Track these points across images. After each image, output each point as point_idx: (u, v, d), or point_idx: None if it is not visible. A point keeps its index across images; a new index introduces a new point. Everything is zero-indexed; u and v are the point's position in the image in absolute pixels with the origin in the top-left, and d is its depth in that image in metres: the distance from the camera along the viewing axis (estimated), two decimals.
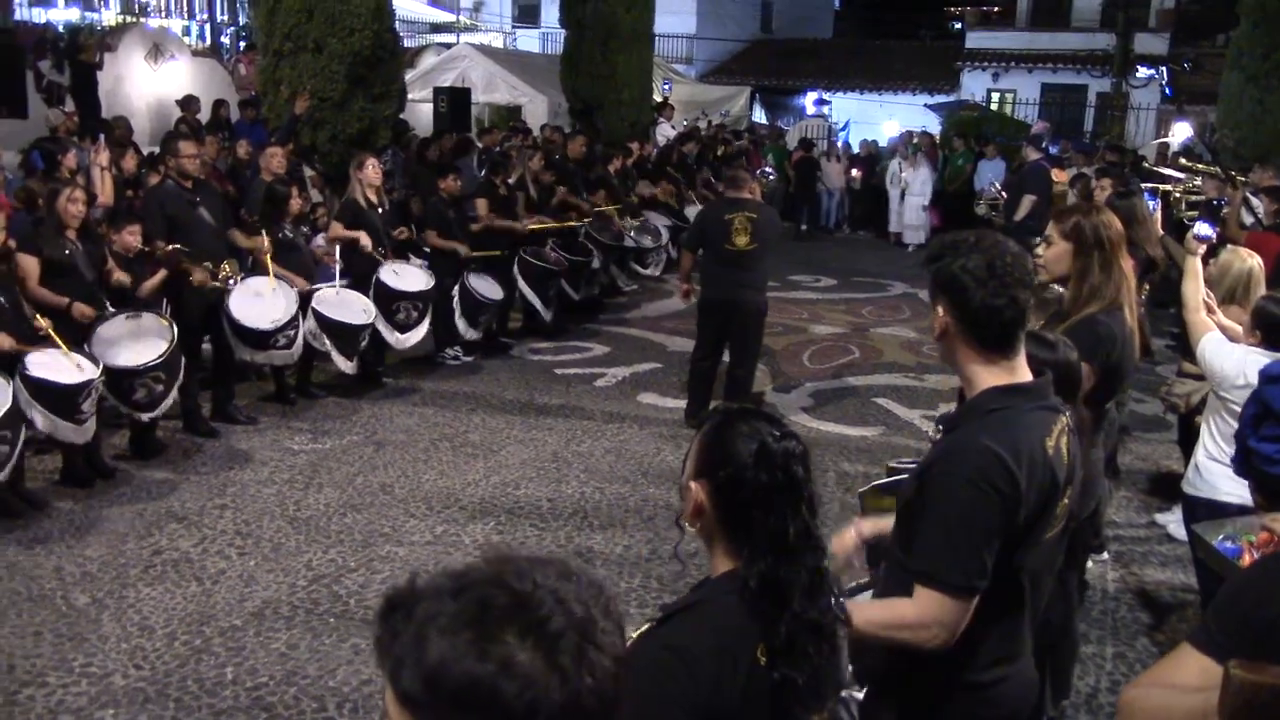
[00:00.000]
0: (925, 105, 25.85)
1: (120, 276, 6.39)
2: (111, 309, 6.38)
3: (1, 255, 5.76)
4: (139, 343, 6.36)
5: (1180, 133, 17.50)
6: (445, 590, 1.10)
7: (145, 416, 6.44)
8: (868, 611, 2.20)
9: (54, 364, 5.78)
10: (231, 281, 6.98)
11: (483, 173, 10.80)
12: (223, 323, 7.07)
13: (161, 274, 6.66)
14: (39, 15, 17.40)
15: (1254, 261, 5.03)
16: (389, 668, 1.09)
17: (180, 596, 4.91)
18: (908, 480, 2.31)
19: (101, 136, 8.66)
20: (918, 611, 2.13)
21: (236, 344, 7.12)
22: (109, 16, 19.01)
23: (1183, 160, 11.58)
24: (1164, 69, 24.90)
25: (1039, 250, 3.76)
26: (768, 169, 14.19)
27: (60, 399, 5.69)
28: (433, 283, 8.32)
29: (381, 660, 1.10)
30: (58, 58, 13.37)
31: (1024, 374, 2.24)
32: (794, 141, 19.73)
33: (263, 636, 4.58)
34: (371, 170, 8.20)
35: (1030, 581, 2.23)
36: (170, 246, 6.71)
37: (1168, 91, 24.67)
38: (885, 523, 2.55)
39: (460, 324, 8.91)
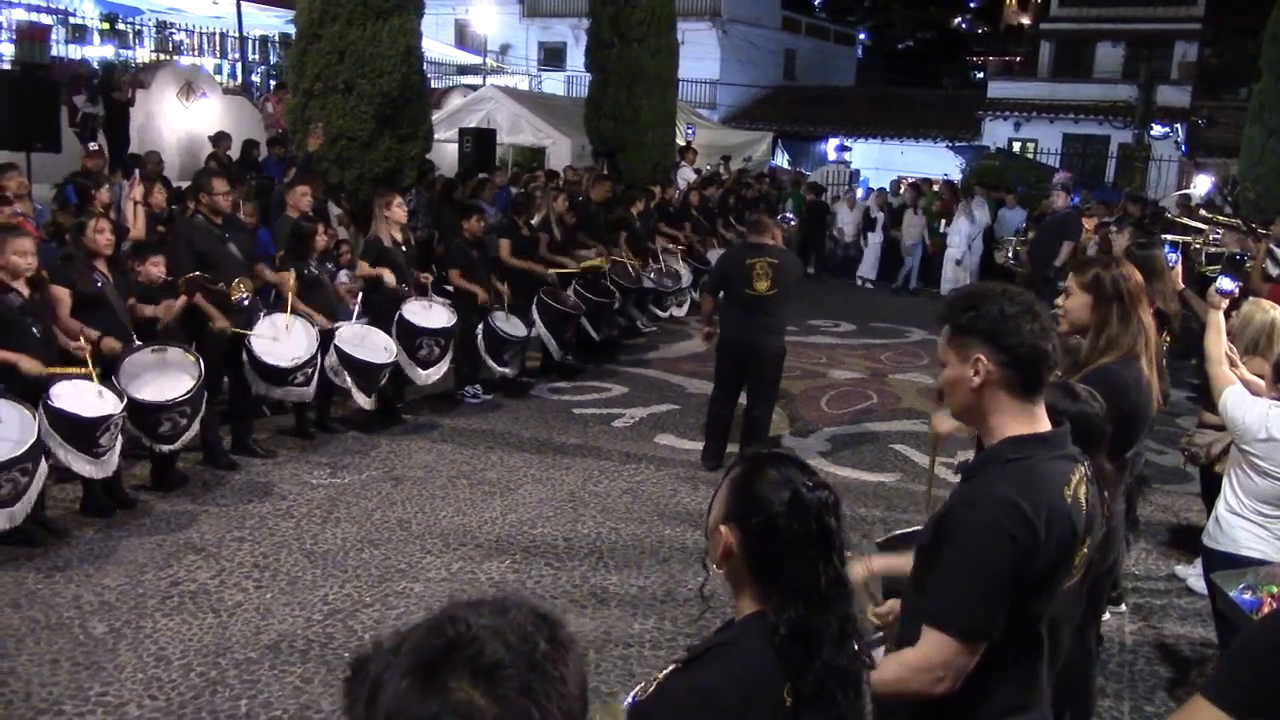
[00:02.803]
0: (947, 146, 25.96)
1: (144, 311, 6.47)
2: (138, 341, 6.46)
3: (35, 284, 5.85)
4: (165, 376, 6.43)
5: (1201, 185, 17.49)
6: (388, 648, 1.13)
7: (167, 448, 6.49)
8: (877, 674, 2.20)
9: (77, 396, 5.83)
10: (245, 300, 7.01)
11: (501, 212, 10.93)
12: (242, 357, 7.13)
13: (182, 300, 6.72)
14: (75, 52, 17.73)
15: (1276, 313, 5.02)
16: None
17: (197, 628, 4.93)
18: (925, 526, 2.31)
19: (136, 171, 8.81)
20: (922, 655, 2.14)
21: (254, 378, 7.17)
22: (143, 54, 19.36)
23: (1203, 212, 11.57)
24: (1179, 126, 24.92)
25: (1059, 301, 3.77)
26: (789, 215, 14.21)
27: (78, 431, 5.72)
28: (455, 320, 8.39)
29: None
30: (92, 93, 13.64)
31: (1044, 423, 2.26)
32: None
33: (278, 670, 4.59)
34: (398, 209, 8.32)
35: (1049, 630, 2.23)
36: (189, 275, 6.79)
37: (1183, 149, 24.68)
38: (896, 561, 2.56)
39: (489, 361, 8.98)
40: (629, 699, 1.84)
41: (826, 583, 1.77)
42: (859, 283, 17.53)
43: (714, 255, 12.54)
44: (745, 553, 1.82)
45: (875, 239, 17.64)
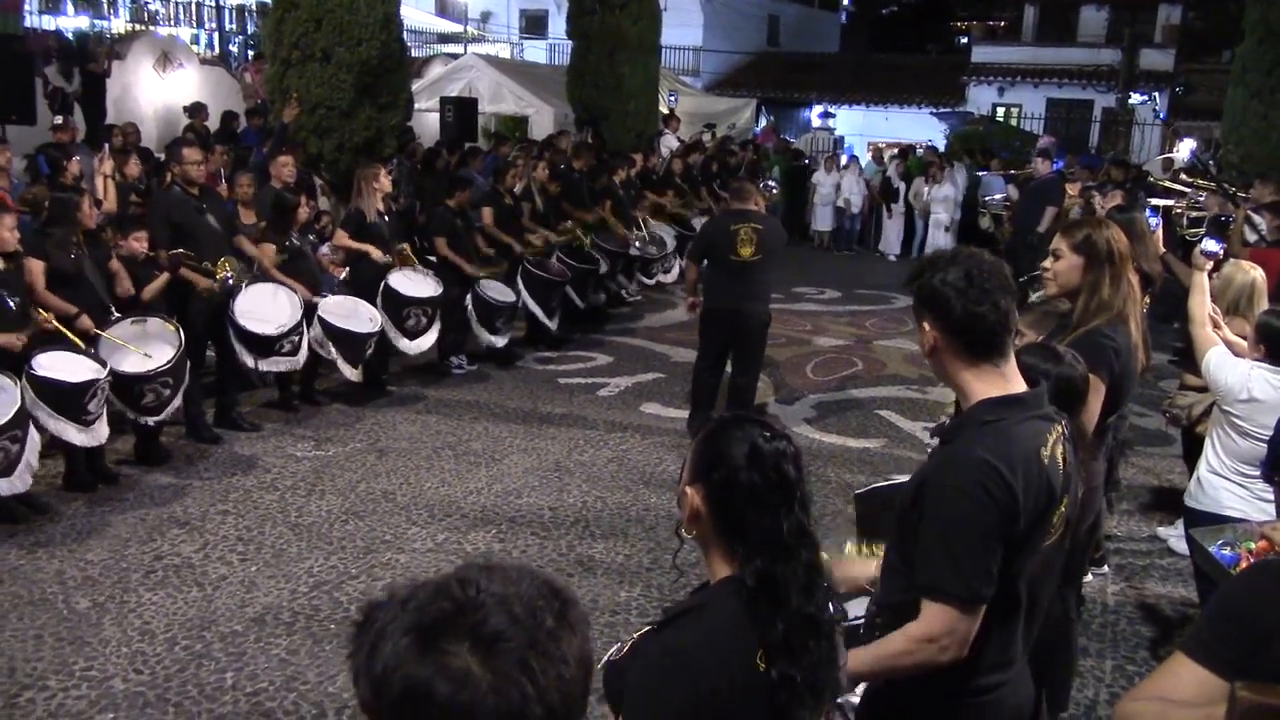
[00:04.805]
0: (931, 112, 25.89)
1: (126, 286, 6.42)
2: (117, 314, 6.40)
3: (10, 256, 5.79)
4: (145, 347, 6.38)
5: (1184, 149, 17.50)
6: (399, 599, 1.13)
7: (152, 420, 6.45)
8: (877, 650, 2.21)
9: (62, 364, 5.79)
10: (230, 280, 6.96)
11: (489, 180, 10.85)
12: (227, 329, 7.08)
13: (164, 277, 6.68)
14: (49, 22, 17.47)
15: (1256, 274, 5.03)
16: (352, 678, 1.13)
17: (181, 601, 4.92)
18: (903, 491, 2.32)
19: (106, 145, 8.70)
20: (927, 627, 2.14)
21: (241, 350, 7.12)
22: (118, 24, 19.09)
23: (1184, 176, 11.56)
24: (1156, 95, 24.84)
25: (1047, 263, 3.75)
26: (771, 183, 14.16)
27: (65, 398, 5.69)
28: (441, 289, 8.33)
29: (351, 672, 1.14)
30: (66, 65, 13.45)
31: (1017, 383, 2.26)
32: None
33: (263, 642, 4.59)
34: (385, 180, 8.28)
35: (1028, 589, 2.24)
36: (173, 250, 6.74)
37: (1161, 116, 24.62)
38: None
39: (480, 332, 8.94)
40: (605, 659, 1.84)
41: (789, 531, 1.78)
42: (890, 257, 16.98)
43: (698, 222, 12.49)
44: (710, 511, 1.84)
45: (898, 209, 17.04)
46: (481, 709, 1.05)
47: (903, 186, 17.03)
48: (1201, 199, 9.53)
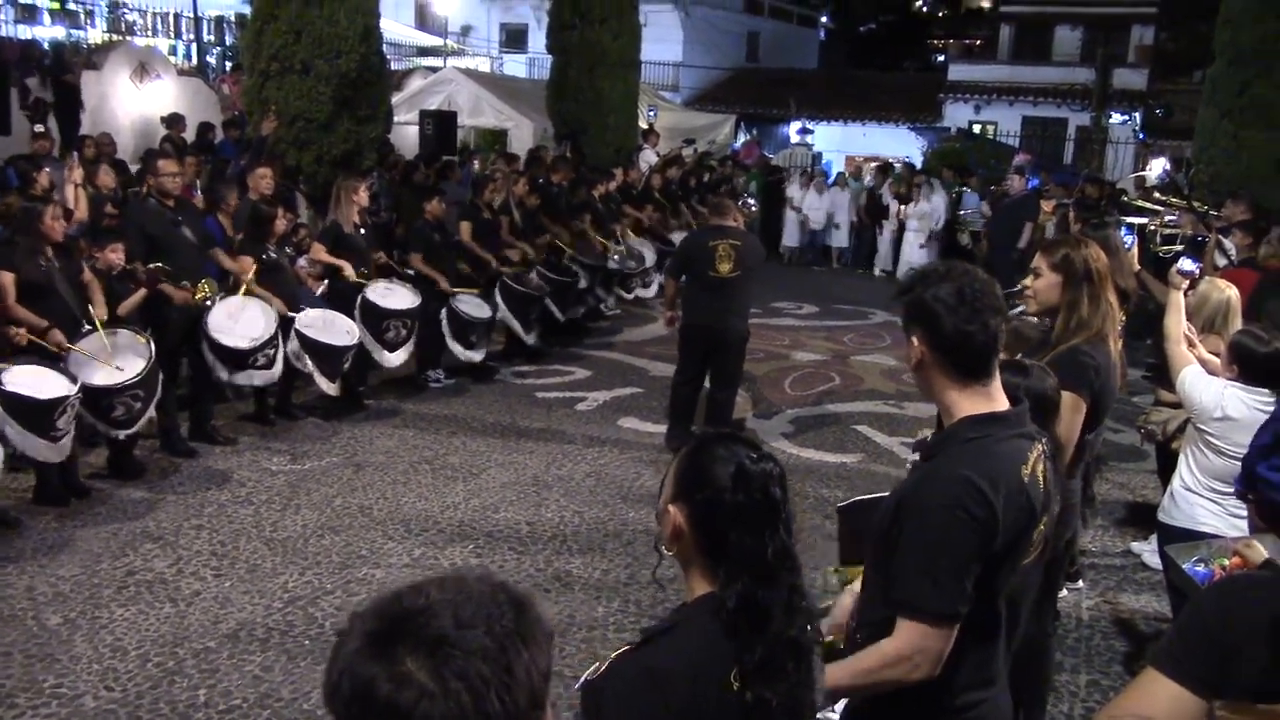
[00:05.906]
0: (909, 128, 26.06)
1: (100, 313, 6.33)
2: (88, 326, 6.33)
3: None
4: (116, 359, 6.31)
5: (1156, 168, 17.65)
6: (362, 611, 1.16)
7: (122, 434, 6.38)
8: (853, 665, 2.21)
9: (32, 379, 5.72)
10: (209, 302, 6.92)
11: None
12: (201, 343, 7.03)
13: (141, 293, 6.63)
14: (24, 32, 17.36)
15: (1231, 292, 5.07)
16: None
17: (154, 617, 4.86)
18: (884, 507, 2.31)
19: (75, 154, 8.63)
20: (899, 645, 2.14)
21: (215, 364, 7.06)
22: (95, 34, 18.99)
23: (1157, 195, 11.67)
24: (1136, 115, 25.17)
25: (1027, 281, 3.77)
26: (750, 200, 14.23)
27: (34, 414, 5.62)
28: (419, 300, 8.30)
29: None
30: (43, 74, 13.37)
31: (1001, 401, 2.26)
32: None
33: (237, 659, 4.54)
34: (365, 193, 8.25)
35: (1007, 607, 2.24)
36: (150, 265, 6.70)
37: (1140, 135, 24.90)
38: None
39: (455, 347, 8.91)
40: (581, 679, 1.84)
41: (773, 554, 1.77)
42: (877, 273, 16.86)
43: (677, 237, 12.50)
44: (693, 530, 1.82)
45: (890, 227, 16.93)
46: (419, 712, 1.06)
47: (894, 204, 17.07)
48: (1175, 217, 9.61)
